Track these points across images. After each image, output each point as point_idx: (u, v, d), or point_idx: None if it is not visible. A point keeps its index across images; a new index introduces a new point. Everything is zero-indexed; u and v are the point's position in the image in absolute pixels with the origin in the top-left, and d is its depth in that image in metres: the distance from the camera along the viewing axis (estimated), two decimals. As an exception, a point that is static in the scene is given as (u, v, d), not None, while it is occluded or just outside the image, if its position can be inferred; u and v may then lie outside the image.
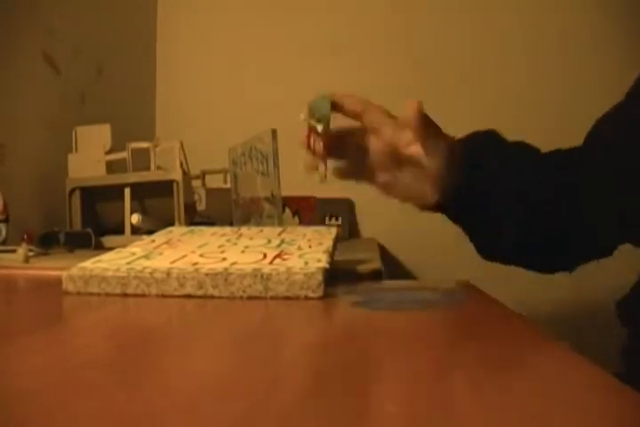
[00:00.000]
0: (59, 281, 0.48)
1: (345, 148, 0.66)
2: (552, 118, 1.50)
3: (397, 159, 0.64)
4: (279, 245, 0.57)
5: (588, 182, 0.62)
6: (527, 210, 0.63)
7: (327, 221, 1.55)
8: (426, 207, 0.66)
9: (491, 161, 0.65)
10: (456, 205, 0.64)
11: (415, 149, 0.62)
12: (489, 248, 0.67)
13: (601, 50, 1.55)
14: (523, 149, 0.67)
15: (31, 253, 0.72)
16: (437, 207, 0.66)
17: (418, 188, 0.64)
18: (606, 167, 0.60)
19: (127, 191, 1.00)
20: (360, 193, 1.61)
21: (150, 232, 0.71)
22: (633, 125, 0.58)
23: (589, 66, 1.56)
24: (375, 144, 0.64)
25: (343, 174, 0.67)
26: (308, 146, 0.61)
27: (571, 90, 1.54)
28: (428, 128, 0.62)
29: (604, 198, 0.60)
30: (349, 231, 1.55)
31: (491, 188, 0.64)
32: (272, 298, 0.45)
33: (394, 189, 0.66)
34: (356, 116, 0.64)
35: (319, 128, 0.60)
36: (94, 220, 1.03)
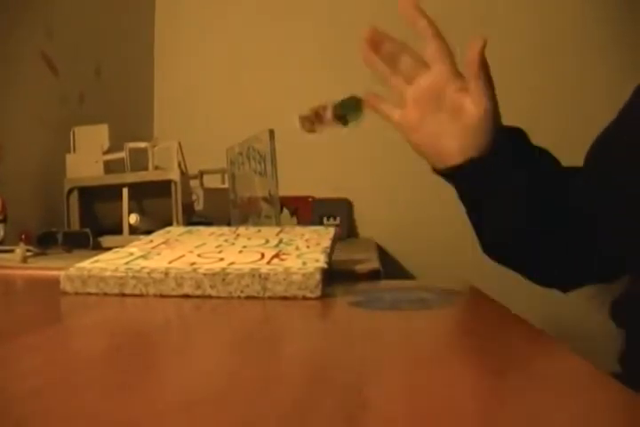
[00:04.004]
0: (57, 281, 0.48)
1: (393, 65, 0.64)
2: (553, 124, 1.50)
3: (438, 101, 0.61)
4: (277, 245, 0.57)
5: (589, 205, 0.61)
6: (542, 206, 0.62)
7: (325, 221, 1.55)
8: (438, 167, 0.63)
9: (523, 147, 0.64)
10: (481, 166, 0.61)
11: (462, 98, 0.60)
12: (493, 236, 0.65)
13: (602, 54, 1.55)
14: (547, 154, 0.66)
15: (29, 253, 0.72)
16: (448, 173, 0.63)
17: (445, 141, 0.62)
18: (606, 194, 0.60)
19: (125, 191, 1.00)
20: (358, 193, 1.61)
21: (148, 232, 0.71)
22: (629, 148, 0.58)
23: (589, 70, 1.56)
24: (424, 78, 0.62)
25: (375, 103, 0.66)
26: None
27: (572, 97, 1.54)
28: (485, 75, 0.59)
29: (606, 223, 0.60)
30: (347, 231, 1.55)
31: (517, 165, 0.62)
32: (270, 298, 0.45)
33: (418, 133, 0.63)
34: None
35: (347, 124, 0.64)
36: (92, 220, 1.03)
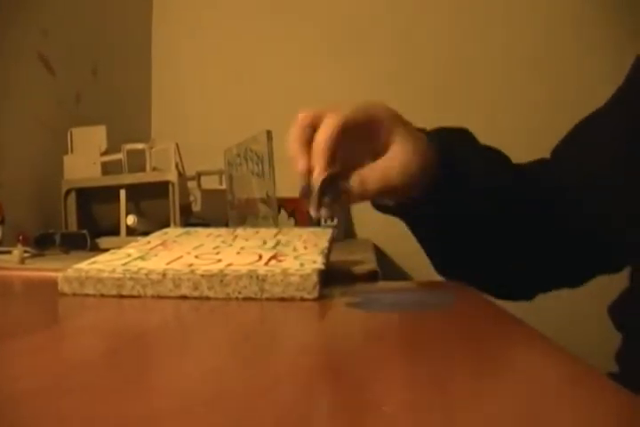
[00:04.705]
0: (54, 282, 0.48)
1: None
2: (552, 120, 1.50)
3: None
4: (275, 247, 0.57)
5: (557, 198, 0.62)
6: (499, 215, 0.60)
7: (322, 223, 1.55)
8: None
9: (468, 157, 0.60)
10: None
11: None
12: (450, 257, 0.64)
13: (604, 54, 1.55)
14: (497, 154, 0.64)
15: (27, 255, 0.72)
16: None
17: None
18: (572, 183, 0.60)
19: (123, 193, 0.99)
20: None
21: (146, 233, 0.71)
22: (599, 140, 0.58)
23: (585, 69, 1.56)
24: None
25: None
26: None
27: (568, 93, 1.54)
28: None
29: (574, 215, 0.60)
30: (345, 232, 1.55)
31: (467, 181, 0.58)
32: (267, 299, 0.45)
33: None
34: None
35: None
36: (90, 221, 1.03)
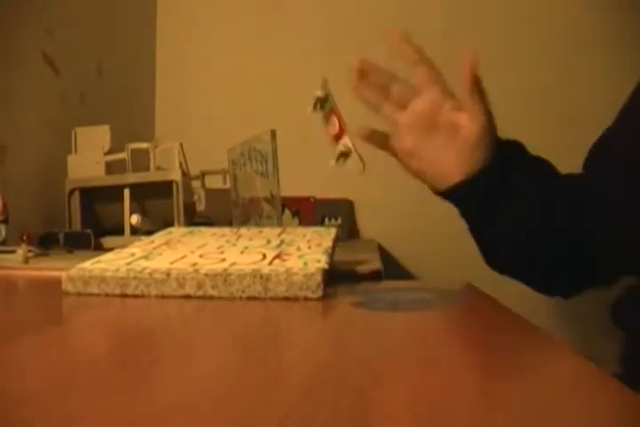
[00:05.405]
0: (58, 282, 0.48)
1: (384, 94, 0.64)
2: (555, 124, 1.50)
3: (432, 124, 0.61)
4: (278, 246, 0.57)
5: (593, 207, 0.61)
6: (540, 219, 0.62)
7: (327, 222, 1.55)
8: (440, 188, 0.63)
9: (523, 158, 0.63)
10: (480, 184, 0.61)
11: (457, 116, 0.60)
12: (493, 249, 0.66)
13: (605, 54, 1.55)
14: (547, 164, 0.66)
15: (31, 254, 0.72)
16: (450, 193, 0.62)
17: (444, 161, 0.61)
18: (607, 195, 0.60)
19: (127, 192, 1.00)
20: (360, 193, 1.61)
21: (150, 233, 0.71)
22: (628, 148, 0.58)
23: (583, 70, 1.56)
24: (417, 103, 0.62)
25: (369, 136, 0.65)
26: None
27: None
28: (479, 90, 0.59)
29: (608, 223, 0.60)
30: (349, 232, 1.55)
31: (517, 182, 0.62)
32: (271, 299, 0.45)
33: (416, 158, 0.63)
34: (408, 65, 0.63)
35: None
36: (94, 220, 1.03)
